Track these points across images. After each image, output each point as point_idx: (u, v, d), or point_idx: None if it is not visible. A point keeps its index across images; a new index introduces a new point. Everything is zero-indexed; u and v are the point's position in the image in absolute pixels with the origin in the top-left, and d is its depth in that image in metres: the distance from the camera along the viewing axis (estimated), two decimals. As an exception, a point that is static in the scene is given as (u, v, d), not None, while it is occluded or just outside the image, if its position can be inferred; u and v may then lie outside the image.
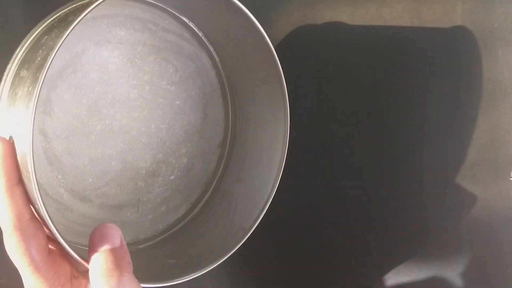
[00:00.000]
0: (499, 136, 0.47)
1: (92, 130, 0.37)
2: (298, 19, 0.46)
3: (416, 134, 0.47)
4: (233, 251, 0.37)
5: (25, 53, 0.31)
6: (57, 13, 0.32)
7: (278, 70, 0.38)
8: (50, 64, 0.26)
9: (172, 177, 0.42)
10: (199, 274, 0.35)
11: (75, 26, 0.26)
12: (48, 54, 0.26)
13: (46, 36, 0.29)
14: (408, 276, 0.48)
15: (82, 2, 0.31)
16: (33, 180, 0.26)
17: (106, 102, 0.38)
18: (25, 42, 0.32)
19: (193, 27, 0.41)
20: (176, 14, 0.40)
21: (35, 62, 0.28)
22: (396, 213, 0.48)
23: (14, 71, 0.31)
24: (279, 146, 0.40)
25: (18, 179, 0.28)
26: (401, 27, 0.47)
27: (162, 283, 0.33)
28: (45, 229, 0.28)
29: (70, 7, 0.32)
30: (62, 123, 0.36)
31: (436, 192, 0.47)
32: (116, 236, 0.28)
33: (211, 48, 0.43)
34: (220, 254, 0.37)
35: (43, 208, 0.26)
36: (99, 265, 0.27)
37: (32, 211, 0.28)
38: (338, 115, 0.47)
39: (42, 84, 0.25)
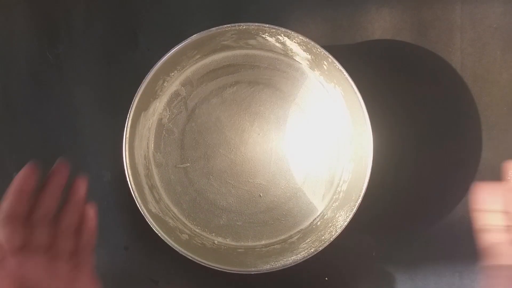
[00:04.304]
0: (498, 135, 0.47)
1: None
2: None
3: (415, 134, 0.47)
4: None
5: None
6: None
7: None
8: None
9: None
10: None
11: None
12: None
13: None
14: (407, 275, 0.48)
15: None
16: None
17: None
18: None
19: None
20: None
21: None
22: (395, 213, 0.48)
23: None
24: None
25: None
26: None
27: None
28: None
29: None
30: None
31: (436, 191, 0.48)
32: None
33: None
34: None
35: None
36: None
37: None
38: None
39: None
